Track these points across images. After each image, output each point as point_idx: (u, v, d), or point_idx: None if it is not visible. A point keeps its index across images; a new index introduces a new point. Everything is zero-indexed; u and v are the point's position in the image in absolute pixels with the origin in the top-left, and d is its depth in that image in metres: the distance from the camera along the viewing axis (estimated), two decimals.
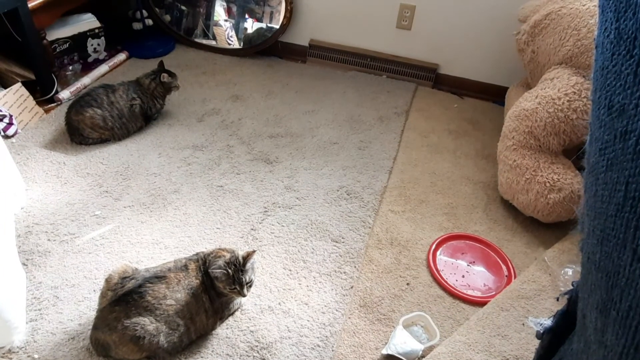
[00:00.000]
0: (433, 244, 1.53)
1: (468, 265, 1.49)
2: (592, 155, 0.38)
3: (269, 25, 2.55)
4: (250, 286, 1.20)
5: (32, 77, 2.07)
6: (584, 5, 1.50)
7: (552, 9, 1.61)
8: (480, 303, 1.36)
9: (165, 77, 1.97)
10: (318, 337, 1.24)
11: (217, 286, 1.17)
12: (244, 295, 1.19)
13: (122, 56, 2.46)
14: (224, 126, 2.05)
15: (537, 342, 0.60)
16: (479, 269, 1.49)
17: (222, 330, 1.24)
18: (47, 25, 2.10)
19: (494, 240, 1.57)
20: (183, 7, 2.65)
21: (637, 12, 0.33)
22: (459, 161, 1.93)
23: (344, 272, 1.43)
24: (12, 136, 1.86)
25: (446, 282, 1.41)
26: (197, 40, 2.64)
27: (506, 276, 1.46)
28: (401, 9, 2.29)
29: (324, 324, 1.28)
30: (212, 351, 1.19)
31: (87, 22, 2.34)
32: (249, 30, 2.60)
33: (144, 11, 2.50)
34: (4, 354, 1.16)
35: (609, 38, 0.36)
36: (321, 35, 2.52)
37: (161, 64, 2.01)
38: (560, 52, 1.56)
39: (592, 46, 1.45)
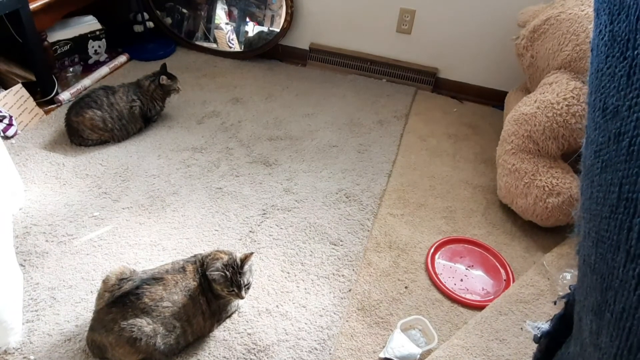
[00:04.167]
0: (432, 247, 1.53)
1: (466, 269, 1.49)
2: (588, 158, 0.38)
3: (269, 28, 2.56)
4: (248, 288, 1.19)
5: (33, 78, 2.07)
6: (582, 11, 1.51)
7: (551, 14, 1.61)
8: (478, 307, 1.36)
9: (164, 80, 1.97)
10: (315, 340, 1.24)
11: (215, 288, 1.17)
12: (242, 298, 1.19)
13: (122, 58, 2.47)
14: (223, 129, 2.05)
15: (534, 346, 0.60)
16: (478, 272, 1.48)
17: (219, 333, 1.24)
18: (48, 27, 2.11)
19: (492, 244, 1.57)
20: (184, 10, 2.66)
21: (630, 14, 0.33)
22: (458, 165, 1.93)
23: (342, 275, 1.42)
24: (12, 137, 1.86)
25: (444, 285, 1.41)
26: (198, 43, 2.65)
27: (504, 280, 1.46)
28: (401, 13, 2.29)
29: (321, 327, 1.27)
30: (209, 353, 1.19)
31: (88, 24, 2.35)
32: (250, 34, 2.61)
33: (145, 14, 2.51)
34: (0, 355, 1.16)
35: (604, 40, 0.36)
36: (321, 39, 2.53)
37: (164, 66, 2.01)
38: (559, 56, 1.56)
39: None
